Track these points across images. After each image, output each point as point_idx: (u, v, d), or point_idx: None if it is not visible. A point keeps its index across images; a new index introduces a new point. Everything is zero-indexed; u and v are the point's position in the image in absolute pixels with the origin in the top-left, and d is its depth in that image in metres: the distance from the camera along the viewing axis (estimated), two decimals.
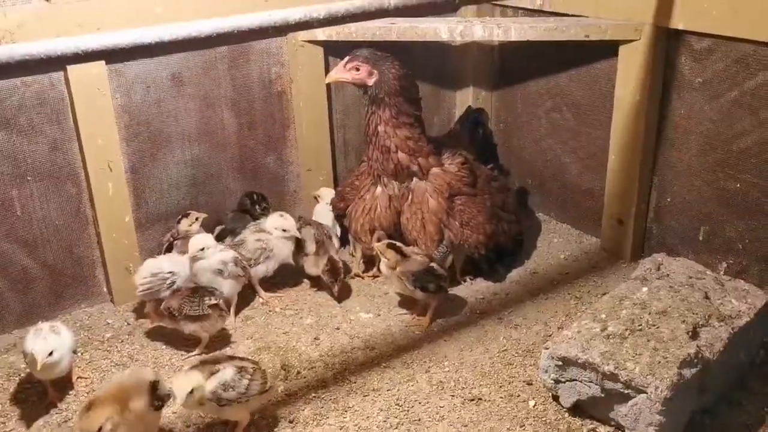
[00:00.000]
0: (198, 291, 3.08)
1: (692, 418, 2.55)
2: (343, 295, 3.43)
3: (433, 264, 3.23)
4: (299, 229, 3.47)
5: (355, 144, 4.03)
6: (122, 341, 3.17)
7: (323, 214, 3.77)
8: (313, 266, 3.45)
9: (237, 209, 3.72)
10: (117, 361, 3.04)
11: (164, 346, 3.13)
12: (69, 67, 3.03)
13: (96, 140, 3.17)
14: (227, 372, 2.50)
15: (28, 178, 3.13)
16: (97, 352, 3.11)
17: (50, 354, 2.62)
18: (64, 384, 2.85)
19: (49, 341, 2.65)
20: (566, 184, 4.03)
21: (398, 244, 3.25)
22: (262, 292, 3.45)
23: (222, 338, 3.16)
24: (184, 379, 2.44)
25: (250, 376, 2.52)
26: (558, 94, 3.91)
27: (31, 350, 2.63)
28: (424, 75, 4.03)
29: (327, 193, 3.84)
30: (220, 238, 3.56)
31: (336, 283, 3.36)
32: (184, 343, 3.12)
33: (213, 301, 3.04)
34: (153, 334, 3.19)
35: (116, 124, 3.24)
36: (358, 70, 3.27)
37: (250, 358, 2.75)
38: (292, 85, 3.72)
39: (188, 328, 3.03)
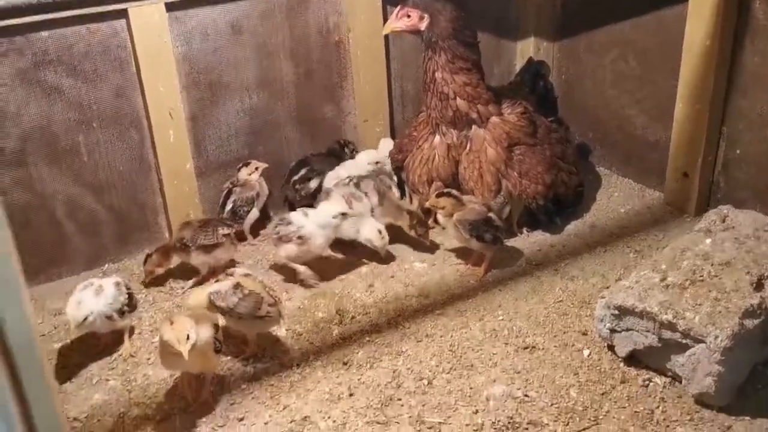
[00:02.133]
0: (210, 222, 3.21)
1: (754, 370, 2.48)
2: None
3: (490, 214, 3.20)
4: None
5: (413, 95, 3.99)
6: (183, 284, 3.25)
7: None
8: (380, 216, 3.42)
9: (326, 153, 3.80)
10: (179, 303, 3.13)
11: None
12: (131, 14, 3.09)
13: (157, 88, 3.23)
14: (225, 284, 2.69)
15: (94, 124, 3.21)
16: (160, 295, 3.20)
17: (85, 319, 2.68)
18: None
19: (83, 306, 2.69)
20: (630, 137, 3.92)
21: (453, 191, 3.22)
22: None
23: (280, 283, 3.22)
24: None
25: (242, 296, 2.65)
26: (623, 42, 3.78)
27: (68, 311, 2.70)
28: (484, 25, 3.95)
29: (386, 144, 3.82)
30: (306, 179, 3.66)
31: (427, 233, 3.36)
32: None
33: (226, 231, 3.16)
34: (214, 279, 3.25)
35: (177, 72, 3.28)
36: (409, 16, 3.26)
37: (269, 287, 2.83)
38: (349, 35, 3.70)
39: (199, 259, 3.14)
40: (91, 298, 2.71)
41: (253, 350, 2.76)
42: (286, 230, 3.15)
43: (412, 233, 3.37)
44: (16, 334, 0.73)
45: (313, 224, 3.16)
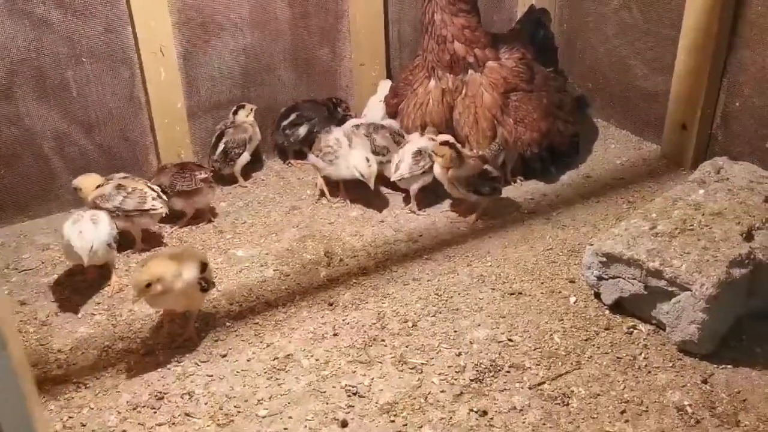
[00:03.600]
0: (187, 166, 3.19)
1: (738, 322, 2.47)
2: None
3: (486, 166, 3.15)
4: (371, 135, 3.39)
5: (410, 39, 3.92)
6: (173, 224, 3.23)
7: (376, 107, 3.71)
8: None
9: (319, 102, 3.73)
10: (167, 243, 3.12)
11: (212, 231, 3.19)
12: None
13: (149, 23, 3.17)
14: (107, 187, 2.94)
15: (83, 59, 3.16)
16: (149, 234, 3.18)
17: (91, 248, 2.64)
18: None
19: (86, 235, 2.65)
20: (630, 88, 3.86)
21: (458, 145, 3.16)
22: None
23: (270, 225, 3.21)
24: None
25: (125, 194, 2.90)
26: None
27: (71, 243, 2.64)
28: None
29: (385, 86, 3.77)
30: (295, 125, 3.61)
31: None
32: (231, 229, 3.18)
33: (204, 175, 3.14)
34: (202, 219, 3.24)
35: (168, 8, 3.22)
36: None
37: (151, 184, 3.02)
38: None
39: (178, 204, 3.15)
40: (90, 227, 2.68)
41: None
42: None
43: None
44: None
45: None
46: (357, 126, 3.46)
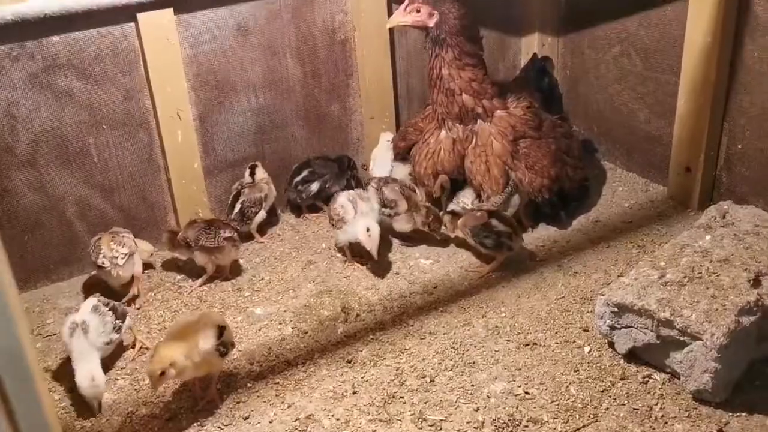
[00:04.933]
0: (214, 223, 3.27)
1: (751, 367, 2.51)
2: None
3: (492, 220, 3.21)
4: (380, 189, 3.47)
5: (419, 92, 4.03)
6: (192, 283, 3.31)
7: (382, 158, 3.81)
8: (407, 223, 3.40)
9: (332, 159, 3.82)
10: (186, 302, 3.19)
11: (230, 289, 3.26)
12: (140, 18, 3.14)
13: (165, 89, 3.29)
14: (94, 238, 3.17)
15: (104, 126, 3.27)
16: (169, 293, 3.26)
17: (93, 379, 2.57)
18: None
19: (98, 381, 2.56)
20: (633, 132, 3.94)
21: (456, 210, 3.36)
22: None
23: (287, 281, 3.28)
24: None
25: (93, 246, 3.10)
26: (626, 38, 3.80)
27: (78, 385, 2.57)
28: (488, 21, 3.99)
29: (387, 136, 3.87)
30: (307, 181, 3.72)
31: (439, 229, 3.37)
32: (249, 286, 3.26)
33: (228, 234, 3.22)
34: (220, 278, 3.32)
35: (184, 74, 3.34)
36: (418, 11, 3.29)
37: (115, 247, 3.10)
38: (355, 33, 3.73)
39: (200, 259, 3.23)
40: (84, 346, 2.60)
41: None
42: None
43: (426, 228, 3.38)
44: None
45: None
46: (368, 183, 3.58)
